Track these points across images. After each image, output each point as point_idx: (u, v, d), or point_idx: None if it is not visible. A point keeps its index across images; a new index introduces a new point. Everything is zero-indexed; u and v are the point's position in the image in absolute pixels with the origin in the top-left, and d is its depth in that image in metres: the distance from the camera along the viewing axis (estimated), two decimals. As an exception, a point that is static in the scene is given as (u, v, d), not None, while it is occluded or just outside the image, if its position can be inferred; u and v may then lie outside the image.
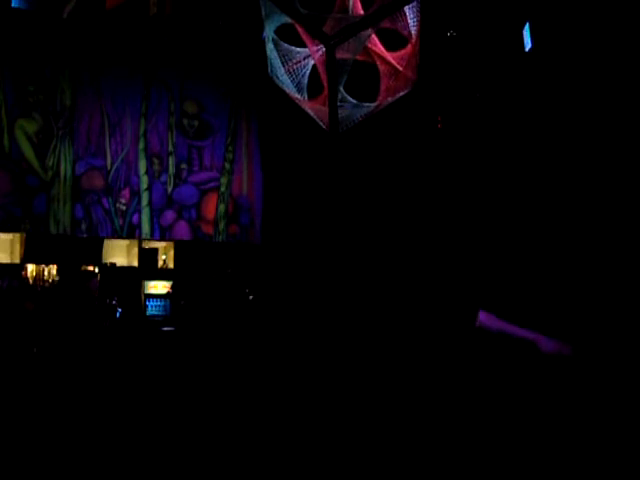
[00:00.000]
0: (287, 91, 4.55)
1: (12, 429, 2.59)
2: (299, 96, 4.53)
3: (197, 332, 6.91)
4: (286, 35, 4.56)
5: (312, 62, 4.53)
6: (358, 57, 4.54)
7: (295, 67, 4.49)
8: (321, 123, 4.54)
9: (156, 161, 7.97)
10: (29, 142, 7.35)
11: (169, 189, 8.02)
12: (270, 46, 4.41)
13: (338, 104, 4.35)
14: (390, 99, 4.51)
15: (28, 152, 7.34)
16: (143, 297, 7.40)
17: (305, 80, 4.57)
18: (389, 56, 4.50)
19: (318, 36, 4.32)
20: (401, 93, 4.56)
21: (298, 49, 4.52)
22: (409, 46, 4.45)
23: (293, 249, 7.69)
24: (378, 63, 4.57)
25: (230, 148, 8.35)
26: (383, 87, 4.63)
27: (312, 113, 4.54)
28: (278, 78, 4.48)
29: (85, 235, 7.57)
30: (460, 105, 6.21)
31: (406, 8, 4.42)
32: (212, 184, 8.24)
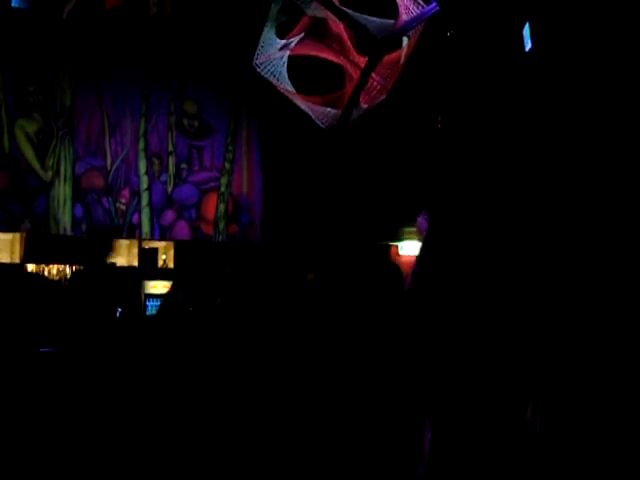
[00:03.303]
0: (274, 83, 4.53)
1: (13, 427, 2.59)
2: (290, 89, 4.52)
3: (197, 332, 6.89)
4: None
5: (286, 55, 4.52)
6: (328, 56, 4.52)
7: (275, 57, 4.47)
8: (319, 122, 4.53)
9: (156, 161, 7.97)
10: (29, 142, 7.35)
11: (169, 189, 8.02)
12: (271, 35, 4.38)
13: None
14: (371, 102, 4.47)
15: (28, 152, 7.35)
16: (143, 297, 7.40)
17: (285, 72, 4.56)
18: (363, 61, 4.43)
19: (366, 38, 4.26)
20: (379, 98, 4.52)
21: (279, 40, 4.49)
22: (394, 55, 4.41)
23: (293, 249, 7.69)
24: (348, 66, 4.53)
25: (230, 148, 8.35)
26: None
27: (309, 112, 4.52)
28: (267, 68, 4.46)
29: (85, 235, 7.57)
30: (460, 105, 6.21)
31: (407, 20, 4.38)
32: (212, 184, 8.24)
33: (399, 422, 2.87)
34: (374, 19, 4.29)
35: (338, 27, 4.48)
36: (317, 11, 4.32)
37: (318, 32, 4.44)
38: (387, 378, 2.91)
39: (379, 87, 4.42)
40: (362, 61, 4.40)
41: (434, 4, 4.29)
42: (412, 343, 2.90)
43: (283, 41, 4.49)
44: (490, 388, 2.88)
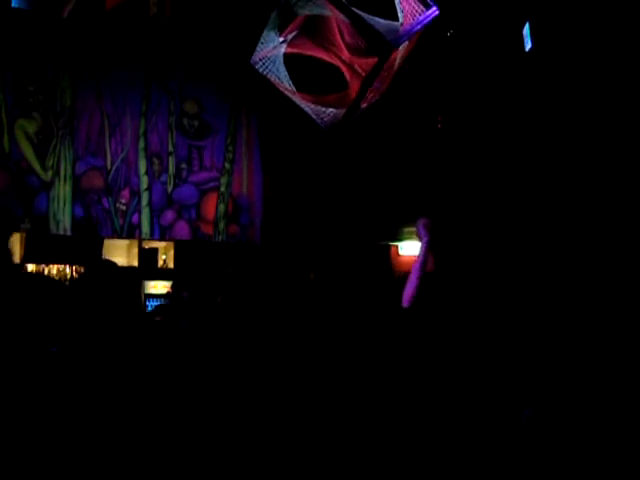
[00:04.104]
0: (274, 81, 4.52)
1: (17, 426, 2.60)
2: (289, 87, 4.51)
3: (198, 331, 6.89)
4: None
5: (282, 52, 4.51)
6: (320, 55, 4.51)
7: (271, 54, 4.47)
8: (319, 122, 4.53)
9: (156, 161, 7.97)
10: (29, 142, 7.35)
11: (169, 189, 8.02)
12: (271, 35, 4.37)
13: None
14: (366, 102, 4.46)
15: (28, 152, 7.35)
16: (143, 297, 7.40)
17: (284, 70, 4.55)
18: (355, 62, 4.41)
19: (374, 40, 4.23)
20: (373, 99, 4.51)
21: (278, 39, 4.49)
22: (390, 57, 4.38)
23: (293, 249, 7.69)
24: (342, 67, 4.52)
25: (230, 148, 8.35)
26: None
27: (309, 111, 4.52)
28: (265, 66, 4.46)
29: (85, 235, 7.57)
30: (460, 105, 6.21)
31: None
32: (212, 184, 8.24)
33: (399, 421, 2.87)
34: (380, 20, 4.27)
35: (332, 28, 4.47)
36: (323, 10, 4.31)
37: (312, 31, 4.44)
38: (387, 376, 2.91)
39: (373, 88, 4.41)
40: (357, 62, 4.40)
41: (434, 7, 4.29)
42: (412, 342, 2.90)
43: (280, 39, 4.49)
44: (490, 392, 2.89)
